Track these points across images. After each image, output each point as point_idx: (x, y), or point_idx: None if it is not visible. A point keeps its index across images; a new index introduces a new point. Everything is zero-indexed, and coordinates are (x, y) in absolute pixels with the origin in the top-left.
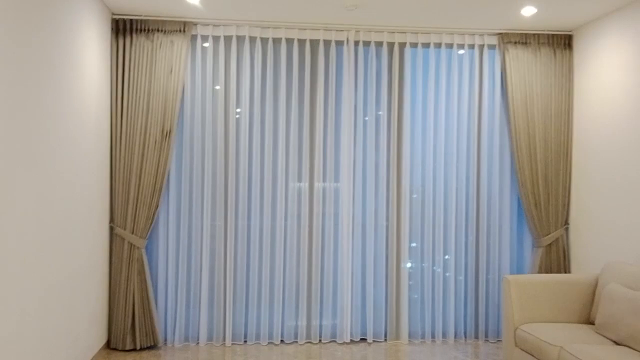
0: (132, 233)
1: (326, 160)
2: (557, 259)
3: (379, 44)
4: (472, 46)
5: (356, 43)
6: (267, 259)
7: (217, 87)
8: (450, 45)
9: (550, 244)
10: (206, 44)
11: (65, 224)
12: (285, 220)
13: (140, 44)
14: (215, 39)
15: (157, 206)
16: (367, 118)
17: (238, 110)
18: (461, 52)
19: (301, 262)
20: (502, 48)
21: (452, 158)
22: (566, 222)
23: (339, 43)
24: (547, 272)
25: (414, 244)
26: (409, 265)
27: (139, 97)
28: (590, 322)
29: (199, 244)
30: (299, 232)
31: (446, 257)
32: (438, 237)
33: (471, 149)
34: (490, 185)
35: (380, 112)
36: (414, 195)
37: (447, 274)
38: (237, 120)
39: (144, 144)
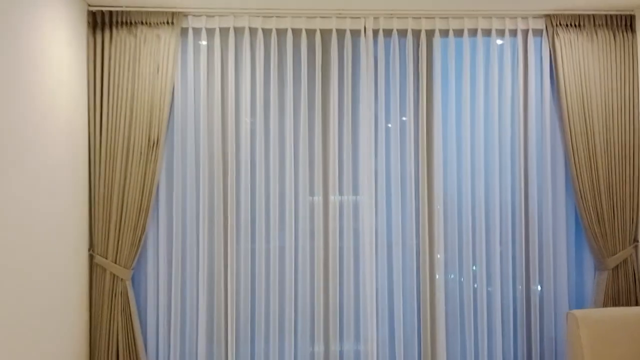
0: (115, 262)
1: (342, 169)
2: (625, 285)
3: (403, 33)
4: (513, 32)
5: (375, 33)
6: (275, 286)
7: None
8: (487, 32)
9: (617, 266)
10: (203, 42)
11: (33, 254)
12: (296, 240)
13: (121, 40)
14: (210, 32)
15: (143, 229)
16: (389, 125)
17: (247, 120)
18: (500, 42)
19: (316, 289)
20: (550, 33)
21: (494, 167)
22: (635, 239)
23: (355, 33)
24: (614, 301)
25: (448, 267)
26: (438, 276)
27: (121, 101)
28: None
29: (194, 272)
30: (313, 253)
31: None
32: (479, 259)
33: (516, 155)
34: (541, 197)
35: (405, 117)
36: (448, 210)
37: (491, 302)
38: (237, 126)
39: (127, 157)
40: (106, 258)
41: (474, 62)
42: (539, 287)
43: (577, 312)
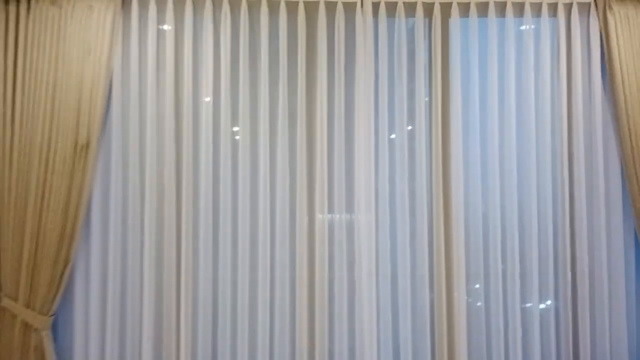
0: (28, 307)
1: (333, 178)
2: None
3: (411, 9)
4: (553, 7)
5: (375, 7)
6: (244, 332)
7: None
8: (519, 9)
9: None
10: (152, 16)
11: None
12: (272, 270)
13: (42, 12)
14: (160, 2)
15: (67, 262)
16: (393, 135)
17: (208, 117)
18: (530, 27)
19: (298, 332)
20: (601, 7)
21: (530, 181)
22: None
23: (349, 7)
24: None
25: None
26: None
27: (40, 92)
28: None
29: (137, 316)
30: (294, 287)
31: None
32: (511, 299)
33: (558, 166)
34: (590, 220)
35: (416, 116)
36: (471, 234)
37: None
38: (195, 125)
39: (46, 165)
40: (16, 301)
41: (502, 48)
42: (589, 338)
43: None
